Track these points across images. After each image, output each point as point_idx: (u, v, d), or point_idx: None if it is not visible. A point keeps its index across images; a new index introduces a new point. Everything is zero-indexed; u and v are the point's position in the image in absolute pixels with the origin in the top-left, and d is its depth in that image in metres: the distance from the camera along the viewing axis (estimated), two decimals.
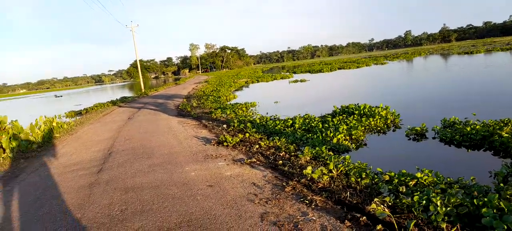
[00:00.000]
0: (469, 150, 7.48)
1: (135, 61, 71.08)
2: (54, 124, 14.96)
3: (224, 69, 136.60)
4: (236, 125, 11.47)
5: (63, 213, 5.44)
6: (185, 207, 5.06)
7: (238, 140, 9.07)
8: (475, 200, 4.15)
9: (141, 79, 53.42)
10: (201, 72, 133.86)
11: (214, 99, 22.12)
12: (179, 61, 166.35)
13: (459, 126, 8.75)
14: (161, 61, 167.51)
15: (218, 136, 10.04)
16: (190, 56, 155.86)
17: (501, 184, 5.05)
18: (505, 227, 3.57)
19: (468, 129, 8.05)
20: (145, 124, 14.57)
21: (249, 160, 7.19)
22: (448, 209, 4.09)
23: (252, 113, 15.24)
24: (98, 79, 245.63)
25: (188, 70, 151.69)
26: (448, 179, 5.30)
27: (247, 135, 9.73)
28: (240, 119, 13.00)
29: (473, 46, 71.80)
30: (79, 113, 25.52)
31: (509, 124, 7.91)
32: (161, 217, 4.82)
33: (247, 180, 6.03)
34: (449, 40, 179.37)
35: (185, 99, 24.95)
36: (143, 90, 43.39)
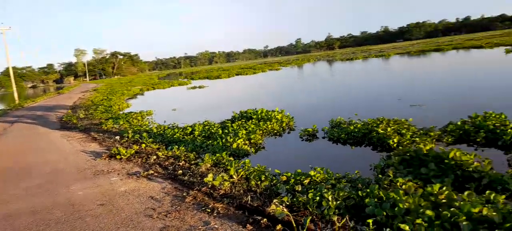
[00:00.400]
0: (353, 147, 8.33)
1: (7, 68, 61.83)
2: None
3: (116, 77, 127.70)
4: (130, 136, 10.76)
5: None
6: None
7: (133, 151, 8.49)
8: (359, 192, 4.58)
9: (15, 89, 46.49)
10: (89, 80, 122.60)
11: (104, 109, 20.44)
12: (62, 68, 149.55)
13: (344, 125, 9.69)
14: (40, 68, 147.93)
15: (110, 148, 9.24)
16: (75, 63, 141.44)
17: (380, 175, 5.72)
18: (384, 213, 4.01)
19: (352, 127, 8.97)
20: (20, 140, 12.65)
21: (146, 173, 6.77)
22: (338, 202, 4.43)
23: (149, 123, 14.50)
24: None
25: (73, 78, 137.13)
26: (337, 175, 5.76)
27: (143, 145, 9.18)
28: (135, 129, 12.24)
29: (353, 53, 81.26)
30: None
31: (384, 122, 9.06)
32: None
33: (144, 194, 5.64)
34: (333, 47, 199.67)
35: (70, 110, 22.48)
36: (17, 102, 37.77)
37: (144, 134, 10.67)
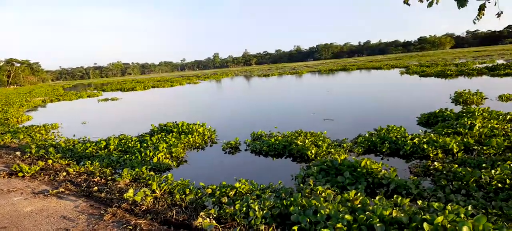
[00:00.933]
0: (275, 158, 8.61)
1: None
2: None
3: (12, 86, 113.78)
4: (34, 151, 9.64)
5: None
6: None
7: (38, 168, 7.61)
8: (284, 201, 4.77)
9: None
10: None
11: None
12: None
13: (265, 138, 9.99)
14: None
15: (10, 165, 8.15)
16: None
17: (301, 184, 6.02)
18: (308, 220, 4.23)
19: (272, 140, 9.28)
20: None
21: (55, 191, 6.11)
22: (264, 212, 4.55)
23: (55, 137, 13.17)
24: None
25: None
26: (262, 186, 5.91)
27: (50, 161, 8.30)
28: (39, 143, 11.01)
29: (269, 70, 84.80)
30: None
31: (302, 134, 9.57)
32: None
33: (54, 214, 5.08)
34: (250, 63, 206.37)
35: None
36: None
37: (51, 149, 9.66)
